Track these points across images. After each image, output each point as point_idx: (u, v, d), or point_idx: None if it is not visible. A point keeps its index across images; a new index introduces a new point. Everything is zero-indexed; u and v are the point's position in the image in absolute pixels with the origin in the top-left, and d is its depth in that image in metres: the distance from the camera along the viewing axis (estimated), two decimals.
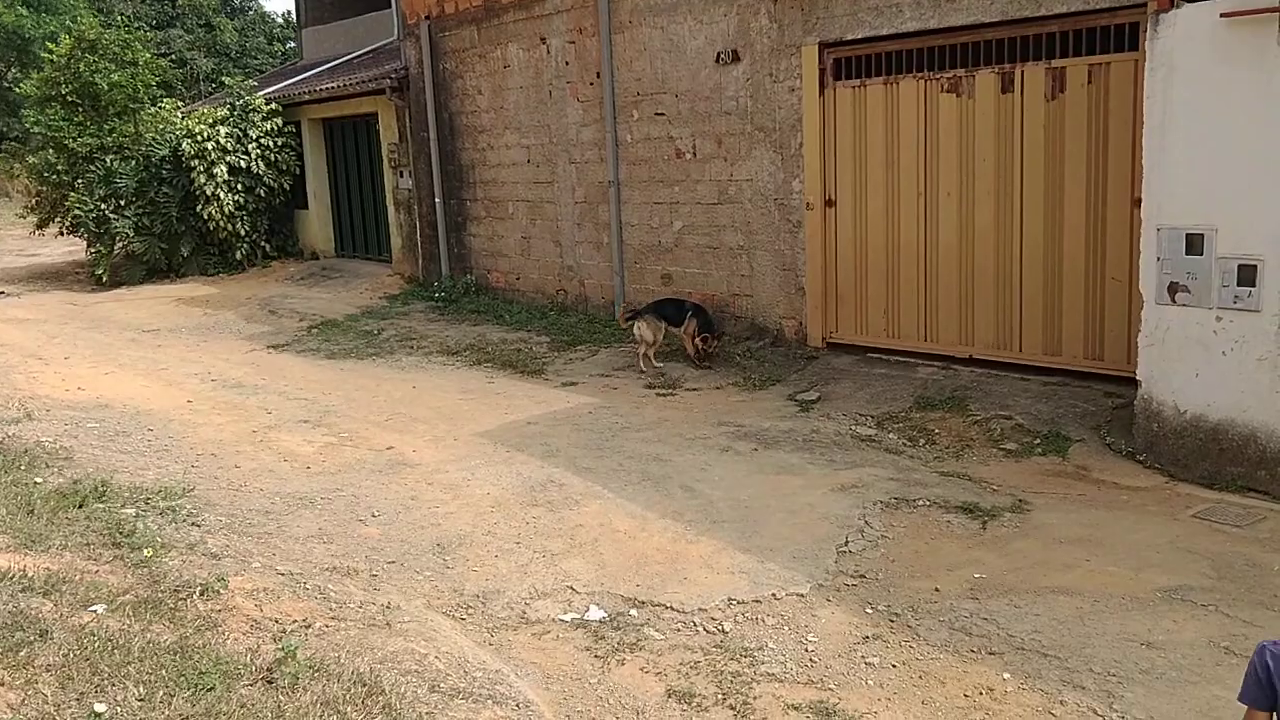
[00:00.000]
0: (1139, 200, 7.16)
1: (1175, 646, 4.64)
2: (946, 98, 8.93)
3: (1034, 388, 8.34)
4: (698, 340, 10.24)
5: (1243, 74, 6.25)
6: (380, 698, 3.93)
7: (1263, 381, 6.37)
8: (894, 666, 4.64)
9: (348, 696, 3.86)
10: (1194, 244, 6.57)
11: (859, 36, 9.42)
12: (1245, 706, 2.97)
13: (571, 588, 5.51)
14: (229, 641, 4.24)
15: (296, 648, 4.19)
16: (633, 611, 5.23)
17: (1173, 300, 6.72)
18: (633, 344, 11.27)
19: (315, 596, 5.10)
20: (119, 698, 3.51)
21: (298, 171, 18.32)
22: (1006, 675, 4.48)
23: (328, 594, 5.17)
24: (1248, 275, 6.36)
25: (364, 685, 4.02)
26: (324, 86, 17.44)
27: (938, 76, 8.98)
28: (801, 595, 5.37)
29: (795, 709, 4.33)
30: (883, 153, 9.49)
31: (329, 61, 20.91)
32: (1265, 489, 6.41)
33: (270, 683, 3.89)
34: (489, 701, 4.22)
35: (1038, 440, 7.55)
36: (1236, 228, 6.39)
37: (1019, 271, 8.66)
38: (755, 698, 4.42)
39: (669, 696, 4.46)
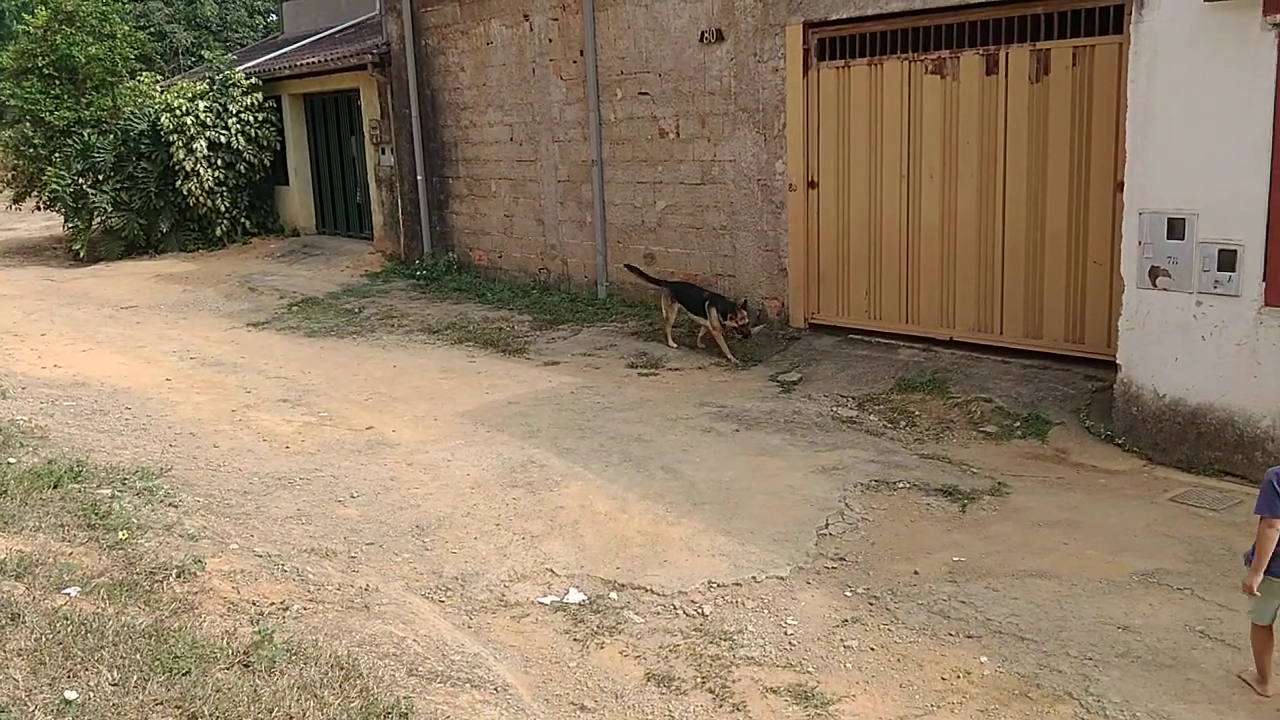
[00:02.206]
0: (1122, 184, 7.16)
1: (1151, 630, 4.67)
2: (931, 79, 8.90)
3: (1014, 370, 8.36)
4: (730, 321, 9.77)
5: (1225, 58, 6.25)
6: (358, 681, 3.91)
7: (1241, 366, 6.40)
8: (872, 650, 4.65)
9: (325, 680, 3.84)
10: (1176, 228, 6.58)
11: (843, 17, 9.37)
12: (1260, 518, 3.98)
13: (551, 570, 5.50)
14: (205, 624, 4.20)
15: (274, 630, 4.17)
16: (612, 594, 5.23)
17: (1154, 284, 6.73)
18: (616, 324, 11.29)
19: (293, 578, 5.07)
20: (92, 683, 3.47)
21: (278, 147, 18.15)
22: (984, 659, 4.50)
23: (306, 576, 5.13)
24: (1228, 260, 6.38)
25: (341, 669, 3.99)
26: (305, 61, 17.26)
27: (922, 58, 8.95)
28: (782, 578, 5.38)
29: (774, 692, 4.34)
30: (866, 134, 9.46)
31: (310, 36, 20.71)
32: (1242, 473, 6.45)
33: (247, 666, 3.86)
34: (467, 685, 4.20)
35: (1017, 423, 7.57)
36: (1218, 212, 6.40)
37: (1001, 254, 8.66)
38: (734, 681, 4.43)
39: (648, 680, 4.46)
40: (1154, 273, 6.71)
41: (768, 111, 10.20)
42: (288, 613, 4.60)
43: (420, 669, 4.25)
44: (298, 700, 3.62)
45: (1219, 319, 6.47)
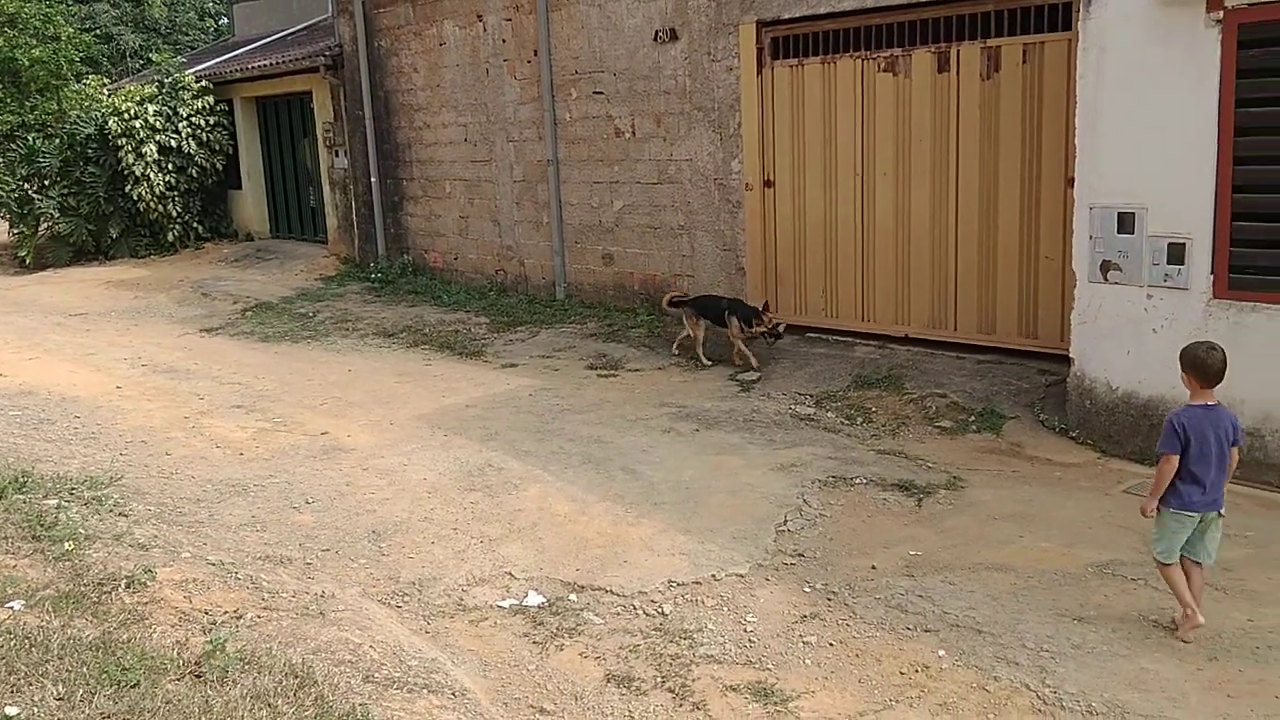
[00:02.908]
0: (1072, 179, 7.24)
1: (1106, 621, 4.72)
2: (883, 77, 8.96)
3: (969, 366, 8.43)
4: (757, 326, 9.20)
5: (1172, 54, 6.33)
6: (312, 689, 3.84)
7: None
8: (831, 645, 4.66)
9: (279, 689, 3.77)
10: (1125, 223, 6.67)
11: (796, 15, 9.41)
12: (1164, 454, 4.49)
13: (510, 573, 5.45)
14: (156, 635, 4.12)
15: (226, 640, 4.09)
16: (572, 596, 5.20)
17: (1105, 279, 6.81)
18: (575, 326, 11.27)
19: (247, 586, 4.99)
20: (36, 698, 3.39)
21: (230, 151, 17.93)
22: (941, 652, 4.52)
23: (260, 584, 5.06)
24: (1177, 253, 6.47)
25: (296, 677, 3.93)
26: (256, 64, 17.06)
27: (874, 56, 9.00)
28: (741, 575, 5.37)
29: (734, 690, 4.33)
30: (820, 133, 9.50)
31: (262, 39, 20.48)
32: None
33: (199, 677, 3.79)
34: (424, 691, 4.15)
35: (972, 418, 7.63)
36: (1167, 206, 6.48)
37: (954, 251, 8.74)
38: (694, 680, 4.41)
39: (608, 681, 4.43)
40: (1105, 267, 6.79)
41: (723, 110, 10.22)
42: (241, 621, 4.52)
43: (377, 675, 4.19)
44: (250, 710, 3.56)
45: (1169, 312, 6.55)
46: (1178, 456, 4.47)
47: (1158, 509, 4.57)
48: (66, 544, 4.93)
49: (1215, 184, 6.27)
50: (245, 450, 7.49)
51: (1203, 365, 4.53)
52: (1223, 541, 5.39)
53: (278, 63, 16.30)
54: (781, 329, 9.33)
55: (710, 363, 9.68)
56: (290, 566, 5.47)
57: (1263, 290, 6.19)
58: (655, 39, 10.70)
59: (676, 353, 10.01)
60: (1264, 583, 5.03)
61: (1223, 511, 4.58)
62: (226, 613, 4.57)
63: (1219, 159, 6.24)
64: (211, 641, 4.02)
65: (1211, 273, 6.35)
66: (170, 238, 17.70)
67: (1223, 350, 4.58)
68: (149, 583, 4.65)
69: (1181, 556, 4.58)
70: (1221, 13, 6.10)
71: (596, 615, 5.01)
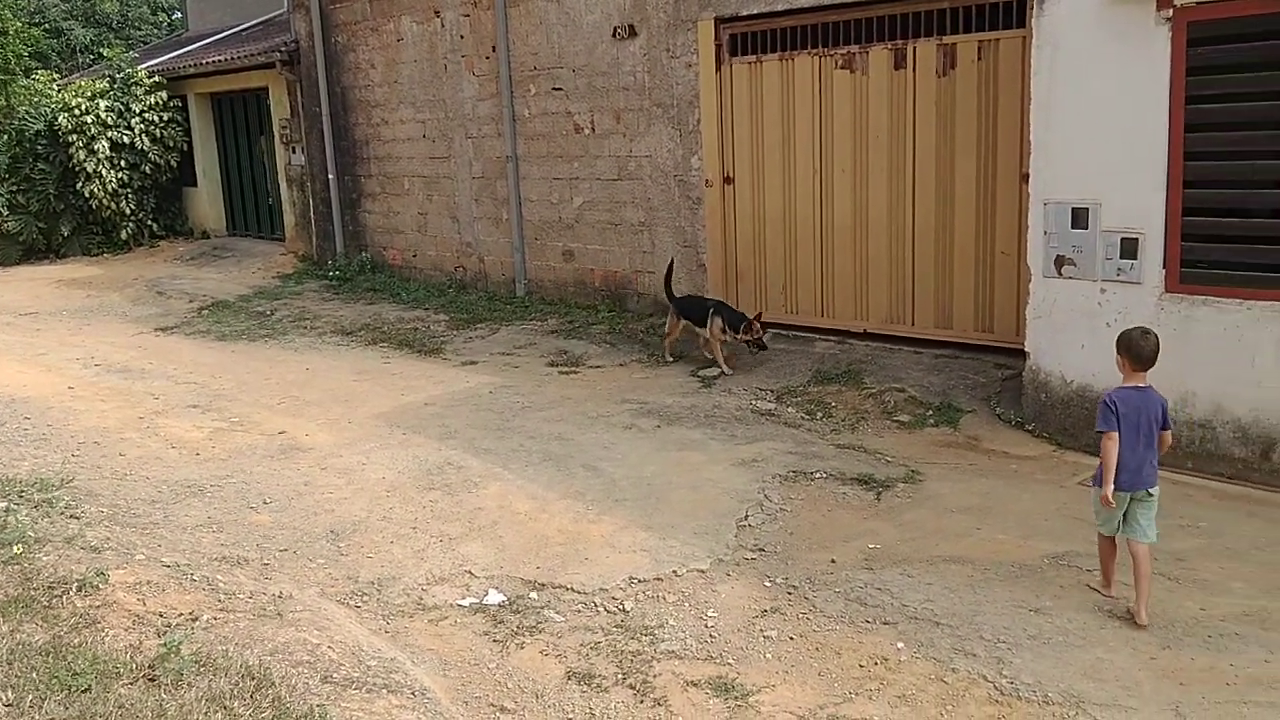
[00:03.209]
0: (1027, 175, 7.30)
1: (1061, 611, 4.77)
2: (841, 74, 9.00)
3: (926, 360, 8.50)
4: (743, 335, 8.90)
5: (1124, 51, 6.41)
6: (270, 691, 3.80)
7: None
8: (791, 639, 4.68)
9: (235, 691, 3.73)
10: (1079, 218, 6.74)
11: (754, 12, 9.43)
12: (1103, 432, 4.73)
13: (470, 572, 5.43)
14: (108, 639, 4.06)
15: (181, 642, 4.04)
16: (533, 594, 5.18)
17: (1059, 273, 6.89)
18: (536, 322, 11.23)
19: (203, 588, 4.92)
20: None
21: (185, 148, 17.70)
22: (900, 645, 4.55)
23: (216, 585, 4.99)
24: (1130, 248, 6.55)
25: (253, 679, 3.89)
26: (211, 60, 16.85)
27: (832, 53, 9.04)
28: (702, 571, 5.38)
29: (695, 685, 4.33)
30: (779, 130, 9.53)
31: (216, 34, 20.22)
32: None
33: (152, 680, 3.73)
34: (384, 691, 4.12)
35: (930, 412, 7.70)
36: (1120, 201, 6.56)
37: (911, 246, 8.80)
38: (655, 676, 4.42)
39: (569, 678, 4.43)
40: (1059, 262, 6.87)
41: (682, 107, 10.22)
42: (197, 623, 4.46)
43: (335, 676, 4.15)
44: (205, 713, 3.52)
45: (1122, 306, 6.64)
46: (1116, 435, 4.69)
47: (1090, 487, 4.89)
48: (15, 547, 4.85)
49: (1167, 179, 6.35)
50: (201, 450, 7.40)
51: (1137, 349, 4.76)
52: (1175, 532, 5.52)
53: (233, 58, 16.11)
54: (765, 340, 9.04)
55: (671, 359, 9.62)
56: (247, 567, 5.41)
57: (1212, 284, 6.29)
58: (614, 35, 10.69)
59: (670, 359, 9.68)
60: (1215, 572, 5.11)
61: (1153, 491, 4.75)
62: (182, 615, 4.51)
63: (1170, 155, 6.32)
64: (166, 644, 3.97)
65: (1163, 267, 6.44)
66: (124, 236, 17.44)
67: (1156, 336, 4.82)
68: (101, 586, 4.58)
69: (1127, 540, 4.78)
70: (1171, 11, 6.19)
71: (557, 613, 4.99)
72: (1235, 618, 4.65)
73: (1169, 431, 4.81)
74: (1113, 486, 4.68)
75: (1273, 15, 5.89)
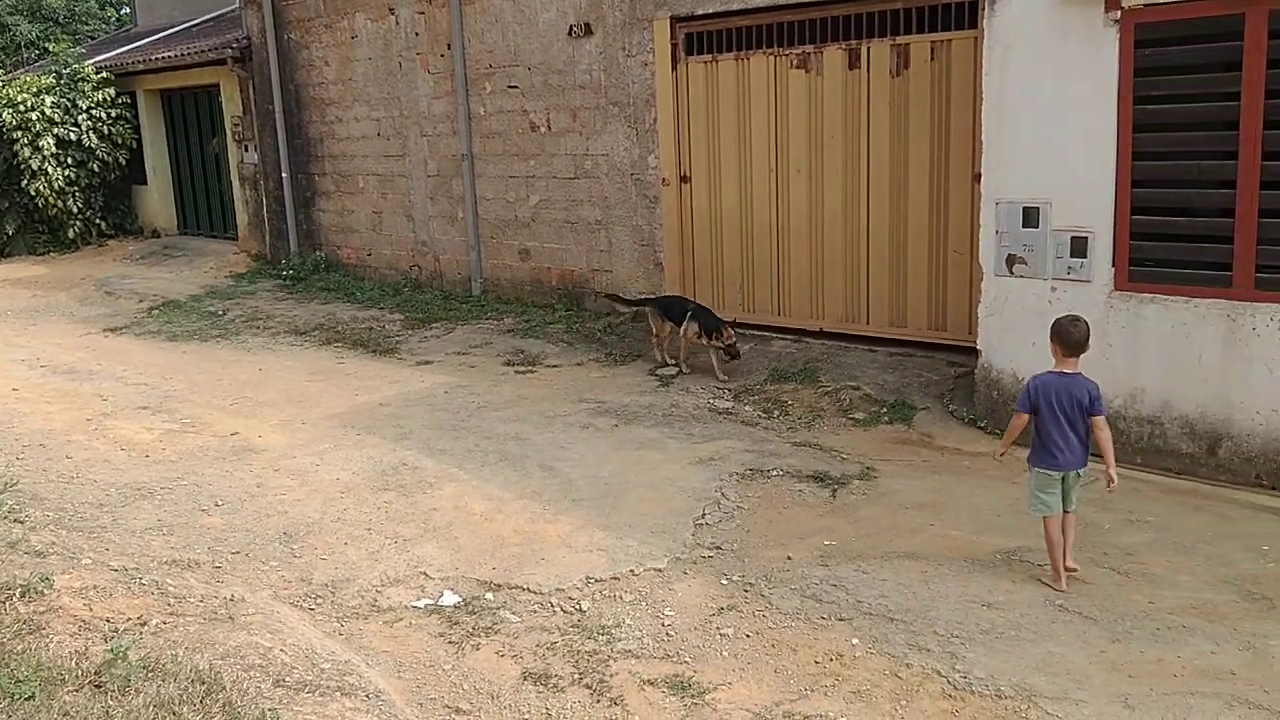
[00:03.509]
0: (979, 175, 7.37)
1: (1014, 606, 4.83)
2: (796, 74, 9.04)
3: (881, 359, 8.56)
4: (715, 340, 8.72)
5: (1073, 52, 6.50)
6: (220, 695, 3.75)
7: (1094, 349, 6.58)
8: (748, 636, 4.69)
9: (184, 696, 3.67)
10: (1030, 217, 6.82)
11: (710, 11, 9.45)
12: (1016, 412, 5.11)
13: (425, 573, 5.39)
14: (53, 645, 3.98)
15: (129, 648, 3.98)
16: (488, 595, 5.16)
17: (1011, 272, 6.97)
18: (492, 322, 11.20)
19: (152, 592, 4.85)
20: None
21: (134, 145, 17.40)
22: (855, 641, 4.58)
23: (166, 589, 4.92)
24: (1080, 246, 6.64)
25: (203, 683, 3.83)
26: (160, 56, 16.58)
27: (787, 52, 9.08)
28: (659, 570, 5.38)
29: (651, 684, 4.33)
30: (735, 129, 9.56)
31: (166, 29, 19.91)
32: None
33: (99, 687, 3.67)
34: (337, 693, 4.08)
35: (885, 409, 7.76)
36: (1070, 201, 6.65)
37: (866, 246, 8.86)
38: (612, 675, 4.41)
39: (525, 679, 4.41)
40: (1010, 260, 6.95)
41: (638, 105, 10.22)
42: (145, 628, 4.40)
43: (288, 679, 4.10)
44: (154, 719, 3.45)
45: (1072, 304, 6.70)
46: (1026, 415, 5.06)
47: (1028, 468, 5.15)
48: None
49: (1115, 179, 6.45)
50: (151, 452, 7.29)
51: (1066, 335, 5.03)
52: (1125, 527, 5.62)
53: (183, 54, 15.86)
54: (738, 349, 8.78)
55: (673, 364, 9.19)
56: (198, 570, 5.34)
57: (1160, 282, 6.39)
58: (570, 33, 10.66)
59: (673, 365, 9.20)
60: (1163, 566, 5.19)
61: (1081, 472, 5.04)
62: (130, 620, 4.44)
63: (1119, 154, 6.42)
64: (113, 650, 3.90)
65: (1112, 265, 6.54)
66: (71, 234, 17.12)
67: (1086, 324, 5.07)
68: (46, 591, 4.50)
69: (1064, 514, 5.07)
70: (1119, 13, 6.28)
71: (513, 613, 4.97)
72: (1183, 611, 4.73)
73: (1101, 417, 4.98)
74: (1029, 463, 5.12)
75: (1217, 18, 6.00)
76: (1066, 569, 5.00)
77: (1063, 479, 5.02)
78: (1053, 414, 4.97)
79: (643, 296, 10.15)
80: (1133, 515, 5.83)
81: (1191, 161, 6.31)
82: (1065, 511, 5.05)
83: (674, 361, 9.23)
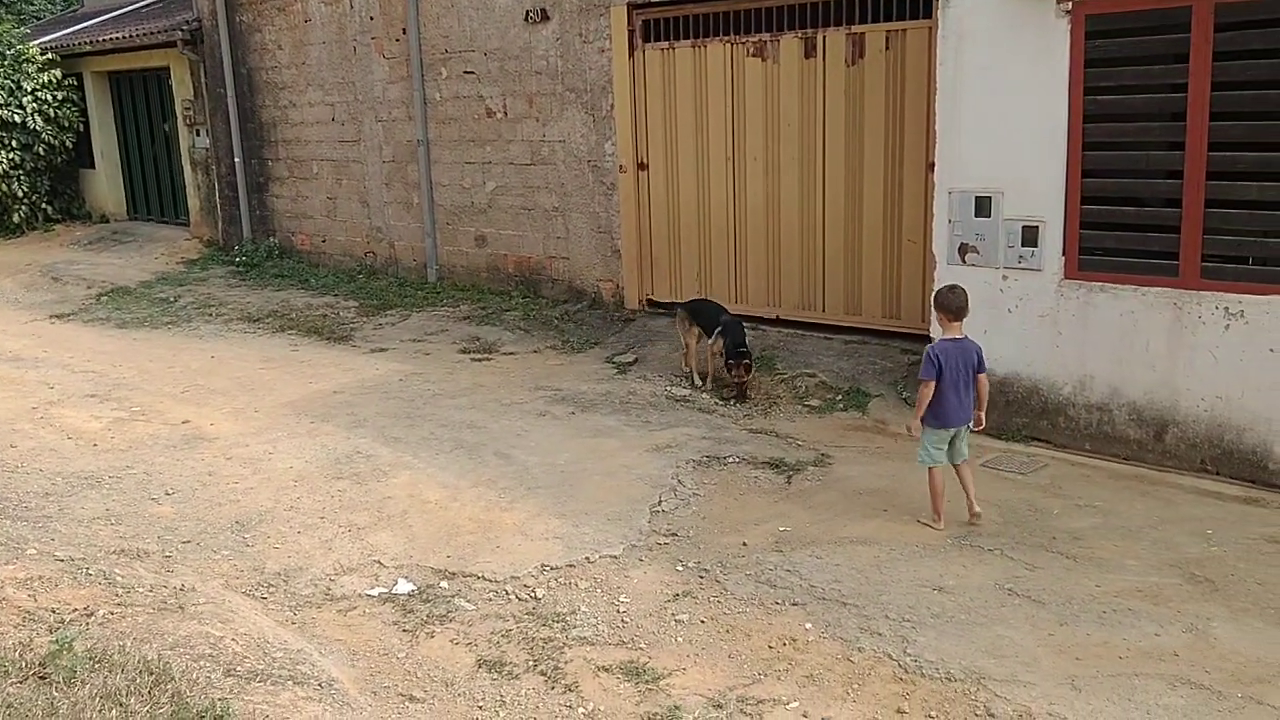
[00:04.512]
0: (933, 164, 7.42)
1: (964, 590, 4.89)
2: (752, 62, 9.05)
3: (836, 346, 8.62)
4: (730, 372, 7.99)
5: (1025, 43, 6.56)
6: (168, 685, 3.70)
7: (1044, 337, 6.76)
8: (702, 622, 4.71)
9: (131, 687, 3.62)
10: (982, 206, 6.88)
11: None
12: (923, 380, 5.47)
13: (379, 562, 5.36)
14: None
15: (75, 638, 3.91)
16: (443, 583, 5.14)
17: (963, 260, 7.03)
18: (448, 309, 11.13)
19: (99, 582, 4.77)
20: None
21: (82, 128, 17.05)
22: (808, 625, 4.62)
23: (114, 579, 4.84)
24: (1031, 236, 6.72)
25: (151, 674, 3.78)
26: (108, 37, 16.25)
27: (744, 40, 9.09)
28: (615, 557, 5.39)
29: (606, 670, 4.34)
30: (692, 116, 9.55)
31: (114, 10, 19.51)
32: (1047, 438, 6.83)
33: (43, 678, 3.60)
34: (289, 682, 4.04)
35: (840, 396, 7.82)
36: (1021, 190, 6.72)
37: (821, 234, 8.90)
38: (566, 662, 4.41)
39: (479, 666, 4.40)
40: (963, 249, 7.01)
41: (595, 92, 10.18)
42: (92, 619, 4.33)
43: (239, 669, 4.06)
44: (100, 710, 3.41)
45: (1023, 292, 6.81)
46: (934, 383, 5.46)
47: (922, 427, 5.56)
48: None
49: (1066, 169, 6.52)
50: (100, 441, 7.18)
51: (947, 303, 5.54)
52: (1074, 512, 5.71)
53: (131, 36, 15.56)
54: (747, 392, 7.99)
55: (701, 382, 8.40)
56: (147, 560, 5.27)
57: (1109, 271, 6.48)
58: (526, 19, 10.59)
59: (701, 384, 8.43)
60: (1110, 550, 5.27)
61: (971, 426, 5.56)
62: (76, 610, 4.37)
63: (1069, 144, 6.49)
64: (58, 641, 3.84)
65: (1063, 254, 6.62)
66: (15, 219, 16.75)
67: (964, 291, 5.59)
68: None
69: (955, 465, 5.61)
70: (1070, 4, 6.34)
71: (468, 601, 4.96)
72: (1129, 594, 4.81)
73: (984, 375, 5.54)
74: (921, 420, 5.54)
75: (1165, 10, 6.08)
76: (973, 514, 5.53)
77: (954, 435, 5.54)
78: (952, 377, 5.45)
79: (693, 299, 9.09)
80: (1081, 501, 5.92)
81: (1140, 152, 6.41)
82: (958, 463, 5.58)
83: (701, 381, 8.41)
